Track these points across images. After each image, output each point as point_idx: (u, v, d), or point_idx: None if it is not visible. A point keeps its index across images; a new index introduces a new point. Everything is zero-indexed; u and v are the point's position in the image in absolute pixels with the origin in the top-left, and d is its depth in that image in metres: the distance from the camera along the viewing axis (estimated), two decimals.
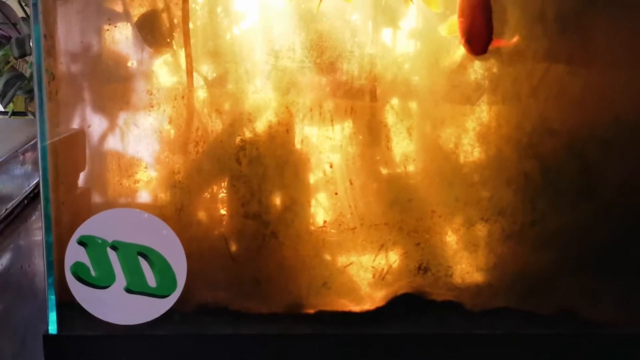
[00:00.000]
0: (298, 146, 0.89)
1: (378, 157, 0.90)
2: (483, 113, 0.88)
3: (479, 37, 0.80)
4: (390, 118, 0.90)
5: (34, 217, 1.31)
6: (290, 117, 0.88)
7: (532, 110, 0.88)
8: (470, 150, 0.89)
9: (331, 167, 0.89)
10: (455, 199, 0.90)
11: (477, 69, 0.87)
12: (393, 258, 0.91)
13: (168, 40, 0.89)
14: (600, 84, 0.89)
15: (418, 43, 0.90)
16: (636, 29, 0.88)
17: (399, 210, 0.90)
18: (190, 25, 0.88)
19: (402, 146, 0.90)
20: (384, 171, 0.91)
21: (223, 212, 0.91)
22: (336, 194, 0.89)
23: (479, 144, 0.89)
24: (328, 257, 0.91)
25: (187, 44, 0.88)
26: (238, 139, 0.88)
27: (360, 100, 0.89)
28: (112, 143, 0.89)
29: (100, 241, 0.86)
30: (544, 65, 0.87)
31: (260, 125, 0.88)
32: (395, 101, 0.89)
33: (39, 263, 0.95)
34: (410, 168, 0.90)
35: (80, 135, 0.88)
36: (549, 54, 0.87)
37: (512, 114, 0.88)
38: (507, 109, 0.88)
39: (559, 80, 0.88)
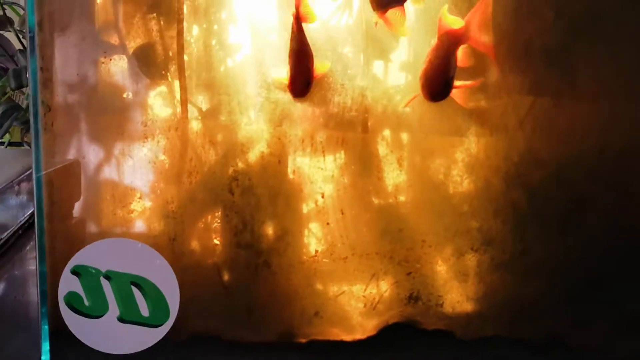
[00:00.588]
0: (290, 176, 0.90)
1: (370, 188, 0.92)
2: (472, 144, 0.90)
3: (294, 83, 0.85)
4: (381, 149, 0.91)
5: (28, 247, 1.32)
6: (282, 148, 0.90)
7: (520, 141, 0.90)
8: (460, 181, 0.91)
9: (323, 197, 0.90)
10: (445, 229, 0.91)
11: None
12: (384, 287, 0.92)
13: (163, 72, 0.90)
14: (586, 116, 0.90)
15: (408, 75, 0.92)
16: (619, 62, 0.89)
17: (390, 240, 0.91)
18: (185, 58, 0.90)
19: (393, 176, 0.92)
20: (375, 201, 0.92)
21: (216, 241, 0.92)
22: (328, 223, 0.90)
23: (467, 174, 0.90)
24: (320, 286, 0.92)
25: (181, 75, 0.89)
26: (231, 170, 0.90)
27: (351, 131, 0.90)
28: (107, 173, 0.90)
29: (93, 271, 0.87)
30: (530, 98, 0.89)
31: (253, 156, 0.90)
32: (386, 132, 0.91)
33: (33, 293, 0.96)
34: (401, 198, 0.92)
35: (75, 166, 0.89)
36: (536, 87, 0.89)
37: (500, 145, 0.90)
38: (495, 140, 0.90)
39: (546, 112, 0.89)
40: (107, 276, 0.87)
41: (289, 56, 0.85)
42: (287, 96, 0.89)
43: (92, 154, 0.89)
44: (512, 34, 0.88)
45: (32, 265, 1.14)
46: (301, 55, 0.85)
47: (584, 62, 0.89)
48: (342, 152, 0.91)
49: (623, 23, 0.89)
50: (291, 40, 0.85)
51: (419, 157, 0.91)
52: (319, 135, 0.90)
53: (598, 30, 0.89)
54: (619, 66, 0.90)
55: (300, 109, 0.89)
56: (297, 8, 0.83)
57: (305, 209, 0.91)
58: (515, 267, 0.92)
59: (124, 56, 0.89)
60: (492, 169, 0.90)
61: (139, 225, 0.91)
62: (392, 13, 0.81)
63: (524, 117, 0.89)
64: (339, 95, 0.89)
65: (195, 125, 0.90)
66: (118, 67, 0.89)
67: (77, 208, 0.90)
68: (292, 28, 0.84)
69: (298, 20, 0.84)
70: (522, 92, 0.89)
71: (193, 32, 0.90)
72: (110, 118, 0.89)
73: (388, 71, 0.92)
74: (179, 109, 0.90)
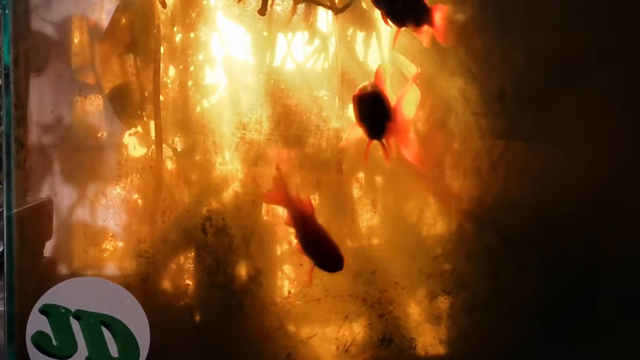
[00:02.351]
0: (264, 217, 0.90)
1: (344, 229, 0.92)
2: (445, 187, 0.90)
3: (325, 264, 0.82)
4: (355, 191, 0.91)
5: None
6: (256, 188, 0.89)
7: (493, 185, 0.90)
8: (433, 224, 0.91)
9: (297, 238, 0.90)
10: (418, 271, 0.91)
11: (438, 145, 0.89)
12: (357, 329, 0.91)
13: (138, 112, 0.91)
14: (559, 159, 0.91)
15: None
16: (591, 107, 0.91)
17: (363, 282, 0.91)
18: (161, 98, 0.90)
19: (367, 218, 0.92)
20: (349, 243, 0.92)
21: (189, 282, 0.91)
22: (301, 264, 0.90)
23: (441, 217, 0.91)
24: (292, 328, 0.91)
25: (157, 115, 0.90)
26: (205, 209, 0.89)
27: (326, 173, 0.90)
28: (79, 212, 0.89)
29: (63, 310, 0.86)
30: (503, 142, 0.90)
31: (227, 196, 0.90)
32: (360, 174, 0.91)
33: (0, 334, 0.94)
34: (375, 240, 0.92)
35: (47, 204, 0.88)
36: (509, 131, 0.90)
37: (473, 188, 0.90)
38: (468, 183, 0.90)
39: (519, 156, 0.90)
40: (77, 316, 0.86)
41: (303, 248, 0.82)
42: (262, 137, 0.89)
43: (65, 192, 0.89)
44: (484, 80, 0.89)
45: (0, 306, 1.12)
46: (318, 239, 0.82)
47: (557, 107, 0.90)
48: (317, 193, 0.91)
49: (595, 71, 0.90)
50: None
51: (392, 200, 0.92)
52: (293, 176, 0.90)
53: (571, 76, 0.90)
54: (590, 111, 0.91)
55: (274, 149, 0.90)
56: (277, 168, 0.85)
57: (278, 250, 0.91)
58: (489, 310, 0.92)
59: (100, 95, 0.89)
60: (465, 212, 0.90)
61: (111, 265, 0.90)
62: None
63: (497, 160, 0.90)
64: (314, 137, 0.89)
65: (169, 164, 0.90)
66: (93, 106, 0.89)
67: (48, 247, 0.89)
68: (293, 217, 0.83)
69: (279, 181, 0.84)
70: (494, 135, 0.90)
71: (169, 72, 0.90)
72: (84, 156, 0.89)
73: None
74: (154, 148, 0.89)
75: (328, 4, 0.90)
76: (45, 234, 0.89)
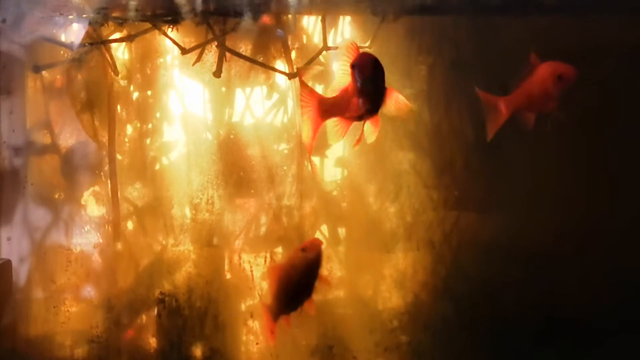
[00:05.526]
0: (218, 296, 0.89)
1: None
2: (399, 260, 0.91)
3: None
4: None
5: None
6: (210, 268, 0.89)
7: (446, 255, 0.91)
8: (389, 297, 0.91)
9: (252, 317, 0.89)
10: (375, 345, 0.91)
11: (392, 217, 0.90)
12: None
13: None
14: (510, 228, 0.93)
15: (345, 170, 0.92)
16: (537, 175, 0.92)
17: (321, 357, 0.90)
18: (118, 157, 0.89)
19: (323, 292, 0.91)
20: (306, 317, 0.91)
21: None
22: (257, 344, 0.89)
23: (396, 290, 0.91)
24: None
25: (114, 200, 0.88)
26: (157, 292, 0.88)
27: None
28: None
29: None
30: (455, 213, 0.91)
31: (180, 277, 0.88)
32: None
33: None
34: (332, 314, 0.91)
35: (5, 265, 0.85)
36: (460, 202, 0.91)
37: (427, 259, 0.91)
38: (422, 255, 0.91)
39: (470, 226, 0.91)
40: None
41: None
42: (215, 217, 0.88)
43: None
44: (435, 152, 0.90)
45: None
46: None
47: (504, 177, 0.92)
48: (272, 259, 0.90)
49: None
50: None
51: (347, 273, 0.92)
52: (246, 254, 0.89)
53: (516, 148, 0.91)
54: (536, 179, 0.92)
55: (227, 228, 0.89)
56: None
57: (234, 329, 0.89)
58: None
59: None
60: (420, 284, 0.91)
61: (61, 350, 0.88)
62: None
63: (450, 232, 0.91)
64: (267, 215, 0.89)
65: (120, 246, 0.88)
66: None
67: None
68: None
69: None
70: (446, 207, 0.91)
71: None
72: None
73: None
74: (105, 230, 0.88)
75: (283, 70, 0.90)
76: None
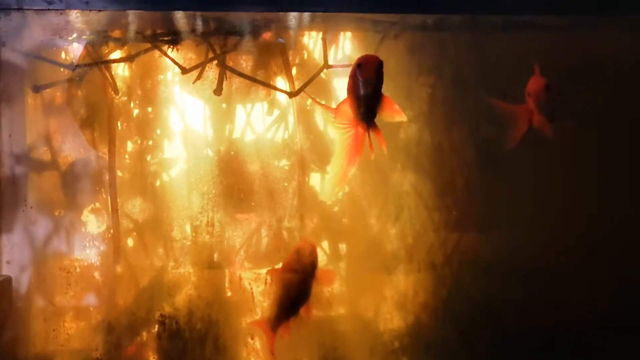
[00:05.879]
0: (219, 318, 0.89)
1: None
2: (400, 282, 0.90)
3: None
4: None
5: None
6: (210, 290, 0.88)
7: (447, 277, 0.91)
8: (390, 318, 0.91)
9: (252, 339, 0.89)
10: None
11: (393, 239, 0.90)
12: None
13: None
14: (509, 248, 0.92)
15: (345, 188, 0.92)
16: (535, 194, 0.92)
17: None
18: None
19: (325, 310, 0.91)
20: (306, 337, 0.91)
21: None
22: None
23: (397, 311, 0.91)
24: None
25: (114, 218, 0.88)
26: (157, 314, 0.88)
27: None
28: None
29: None
30: (456, 235, 0.90)
31: (180, 300, 0.88)
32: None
33: None
34: (332, 336, 0.91)
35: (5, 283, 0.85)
36: (461, 223, 0.91)
37: (429, 281, 0.90)
38: (423, 276, 0.90)
39: (471, 247, 0.91)
40: None
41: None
42: (214, 239, 0.88)
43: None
44: (435, 173, 0.90)
45: None
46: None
47: (505, 197, 0.91)
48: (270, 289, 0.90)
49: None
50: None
51: (347, 294, 0.91)
52: (245, 274, 0.89)
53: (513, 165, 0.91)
54: (533, 200, 0.92)
55: (226, 250, 0.89)
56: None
57: (234, 351, 0.89)
58: None
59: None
60: (421, 305, 0.90)
61: None
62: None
63: (450, 253, 0.90)
64: (266, 235, 0.89)
65: (120, 269, 0.88)
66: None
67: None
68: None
69: None
70: (447, 228, 0.90)
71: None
72: None
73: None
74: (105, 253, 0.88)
75: (284, 89, 0.90)
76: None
